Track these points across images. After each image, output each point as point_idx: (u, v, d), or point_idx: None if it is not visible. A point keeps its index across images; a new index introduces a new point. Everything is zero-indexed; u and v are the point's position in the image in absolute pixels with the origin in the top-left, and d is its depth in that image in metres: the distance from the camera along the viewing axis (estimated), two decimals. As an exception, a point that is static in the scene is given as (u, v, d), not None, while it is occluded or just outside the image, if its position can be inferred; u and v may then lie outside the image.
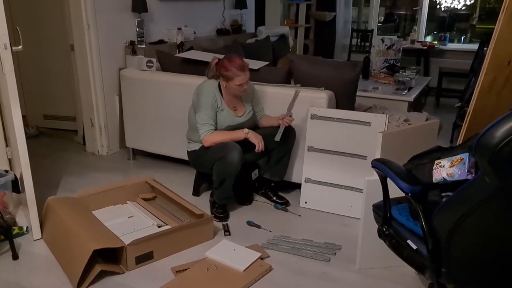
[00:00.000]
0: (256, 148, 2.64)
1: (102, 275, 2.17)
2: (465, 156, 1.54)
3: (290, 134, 2.84)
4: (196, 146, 2.81)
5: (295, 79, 3.08)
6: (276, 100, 2.96)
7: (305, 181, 2.93)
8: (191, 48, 3.97)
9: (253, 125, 2.89)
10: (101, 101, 3.77)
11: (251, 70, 3.13)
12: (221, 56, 2.76)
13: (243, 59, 2.68)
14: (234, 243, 2.45)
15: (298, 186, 3.02)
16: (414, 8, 6.93)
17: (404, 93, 4.03)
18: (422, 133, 2.59)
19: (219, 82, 2.74)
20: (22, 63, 4.26)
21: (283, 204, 2.95)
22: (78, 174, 3.49)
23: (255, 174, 2.97)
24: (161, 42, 4.18)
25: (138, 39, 3.90)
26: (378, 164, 1.75)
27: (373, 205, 1.95)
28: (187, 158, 2.97)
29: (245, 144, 2.68)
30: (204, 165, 2.80)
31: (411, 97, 3.95)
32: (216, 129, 2.69)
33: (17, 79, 2.32)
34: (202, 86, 2.75)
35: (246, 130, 2.68)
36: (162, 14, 4.29)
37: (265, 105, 2.99)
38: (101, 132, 3.85)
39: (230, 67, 2.60)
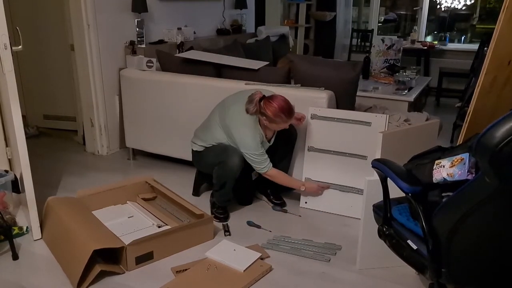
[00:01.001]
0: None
1: (102, 275, 2.16)
2: (466, 156, 1.54)
3: (292, 134, 2.85)
4: (199, 148, 2.80)
5: (295, 79, 3.08)
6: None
7: (305, 181, 2.93)
8: (191, 48, 3.97)
9: None
10: (101, 101, 3.77)
11: (251, 70, 3.14)
12: (260, 89, 2.65)
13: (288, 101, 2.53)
14: (234, 243, 2.45)
15: (298, 186, 3.02)
16: (414, 8, 6.93)
17: (404, 93, 4.03)
18: (422, 133, 2.59)
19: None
20: (22, 63, 4.26)
21: (279, 205, 2.95)
22: (78, 174, 3.49)
23: (255, 174, 2.97)
24: (161, 42, 4.18)
25: (138, 39, 3.89)
26: (378, 164, 1.75)
27: (373, 205, 1.95)
28: (187, 158, 2.97)
29: None
30: (205, 167, 2.81)
31: (411, 97, 3.95)
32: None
33: (17, 79, 2.32)
34: (247, 128, 2.60)
35: (303, 185, 2.78)
36: (162, 14, 4.29)
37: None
38: (101, 132, 3.85)
39: (279, 113, 2.48)
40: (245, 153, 2.61)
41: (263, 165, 2.64)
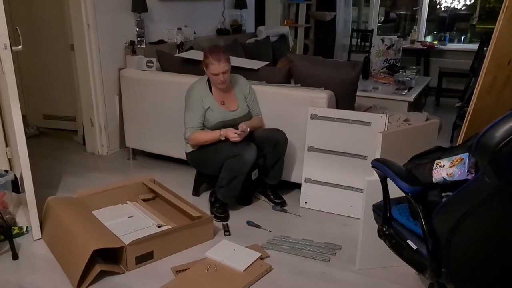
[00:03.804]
0: (236, 137, 2.63)
1: (102, 275, 2.17)
2: (465, 156, 1.54)
3: (279, 138, 2.84)
4: (195, 146, 2.82)
5: (295, 79, 3.08)
6: (276, 100, 2.96)
7: (305, 181, 2.93)
8: (191, 48, 3.96)
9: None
10: (101, 101, 3.77)
11: (251, 70, 3.14)
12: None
13: (225, 52, 2.71)
14: (234, 243, 2.45)
15: (297, 186, 3.02)
16: (414, 8, 6.93)
17: (404, 93, 4.03)
18: (422, 133, 2.59)
19: (208, 78, 2.79)
20: (22, 63, 4.26)
21: (280, 205, 2.95)
22: (78, 174, 3.49)
23: (255, 174, 2.97)
24: (161, 42, 4.18)
25: (138, 39, 3.90)
26: (378, 164, 1.75)
27: (373, 205, 1.95)
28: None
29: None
30: (210, 164, 2.79)
31: (411, 97, 3.95)
32: (203, 129, 2.79)
33: (17, 79, 2.32)
34: (191, 87, 2.84)
35: (220, 132, 2.69)
36: (162, 14, 4.29)
37: (265, 105, 2.98)
38: (101, 132, 3.85)
39: (208, 55, 2.68)
40: (185, 115, 2.81)
41: (188, 132, 2.76)
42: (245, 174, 2.69)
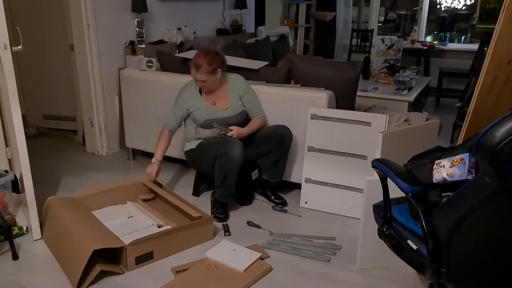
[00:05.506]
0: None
1: (102, 275, 2.17)
2: (466, 156, 1.54)
3: (285, 135, 2.84)
4: (192, 145, 2.82)
5: (295, 79, 3.08)
6: (276, 100, 2.96)
7: (305, 181, 2.93)
8: (191, 48, 3.96)
9: (242, 122, 2.87)
10: (101, 101, 3.77)
11: (251, 70, 3.14)
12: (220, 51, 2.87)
13: (213, 64, 2.69)
14: (234, 243, 2.45)
15: (297, 186, 3.02)
16: (414, 8, 6.93)
17: (404, 93, 4.03)
18: (422, 133, 2.59)
19: None
20: (22, 63, 4.26)
21: (281, 205, 2.95)
22: (78, 174, 3.49)
23: (255, 174, 2.97)
24: (161, 42, 4.18)
25: (138, 39, 3.90)
26: (378, 164, 1.75)
27: (373, 205, 1.95)
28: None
29: (245, 142, 2.72)
30: (203, 164, 2.80)
31: (411, 97, 3.95)
32: (176, 127, 2.89)
33: (17, 79, 2.32)
34: (183, 88, 2.89)
35: (154, 160, 2.83)
36: (162, 14, 4.29)
37: (265, 105, 2.98)
38: (101, 132, 3.85)
39: (194, 57, 2.73)
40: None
41: (166, 123, 2.87)
42: (235, 172, 2.67)
